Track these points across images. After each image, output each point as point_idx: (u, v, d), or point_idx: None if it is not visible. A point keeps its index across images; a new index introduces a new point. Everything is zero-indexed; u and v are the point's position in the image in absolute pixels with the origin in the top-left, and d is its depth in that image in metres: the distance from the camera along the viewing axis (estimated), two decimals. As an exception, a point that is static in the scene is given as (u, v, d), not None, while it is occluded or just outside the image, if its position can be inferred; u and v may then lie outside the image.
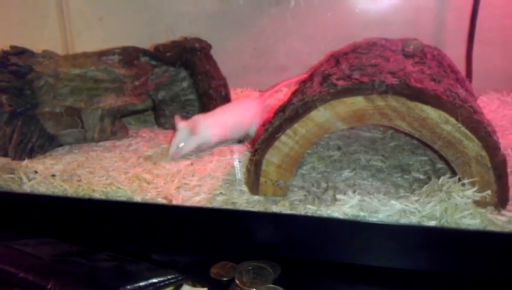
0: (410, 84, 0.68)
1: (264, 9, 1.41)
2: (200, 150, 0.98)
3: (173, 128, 1.13)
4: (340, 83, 0.71)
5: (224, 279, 0.71)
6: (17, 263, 0.62)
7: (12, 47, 1.06)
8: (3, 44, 1.07)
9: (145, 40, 1.24)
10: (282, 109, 0.78)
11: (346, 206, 0.70)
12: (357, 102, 0.69)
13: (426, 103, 0.67)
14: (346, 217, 0.70)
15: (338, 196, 0.72)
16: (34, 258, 0.63)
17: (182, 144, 0.94)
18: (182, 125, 0.95)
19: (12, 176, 0.86)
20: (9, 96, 0.99)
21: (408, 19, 1.34)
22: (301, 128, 0.72)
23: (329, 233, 0.70)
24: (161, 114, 1.16)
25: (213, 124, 0.98)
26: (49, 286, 0.57)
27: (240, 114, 1.03)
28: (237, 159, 0.93)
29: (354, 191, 0.73)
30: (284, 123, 0.71)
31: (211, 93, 1.12)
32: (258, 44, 1.42)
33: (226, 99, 1.15)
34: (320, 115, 0.70)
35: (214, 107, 1.11)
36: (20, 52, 1.06)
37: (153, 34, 1.44)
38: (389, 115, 0.69)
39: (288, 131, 0.72)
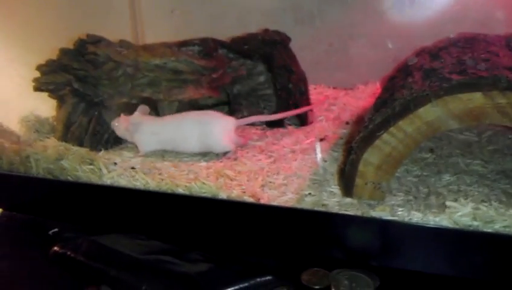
0: (537, 81, 0.61)
1: (340, 3, 1.35)
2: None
3: (250, 123, 1.09)
4: (455, 77, 0.64)
5: (317, 287, 0.66)
6: (108, 259, 0.59)
7: (88, 35, 1.04)
8: (73, 33, 1.05)
9: (216, 33, 1.20)
10: (381, 104, 0.72)
11: (457, 215, 0.63)
12: (475, 99, 0.62)
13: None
14: (456, 227, 0.63)
15: (448, 203, 0.65)
16: (126, 255, 0.60)
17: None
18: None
19: (91, 167, 0.84)
20: (86, 85, 0.98)
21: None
22: (407, 126, 0.65)
23: (436, 243, 0.64)
24: (236, 109, 1.11)
25: (145, 131, 0.93)
26: (143, 287, 0.53)
27: (184, 128, 0.91)
28: (323, 158, 0.87)
29: (466, 198, 0.66)
30: (392, 119, 0.65)
31: (289, 88, 1.06)
32: (334, 40, 1.36)
33: (305, 94, 1.09)
34: (430, 112, 0.64)
35: (293, 102, 1.06)
36: (97, 40, 1.03)
37: (223, 27, 1.40)
38: (511, 115, 0.62)
39: (392, 129, 0.66)
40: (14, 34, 1.08)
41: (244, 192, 0.76)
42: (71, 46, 1.02)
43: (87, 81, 0.98)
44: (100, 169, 0.83)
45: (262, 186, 0.79)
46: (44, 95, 1.00)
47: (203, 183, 0.76)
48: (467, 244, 0.61)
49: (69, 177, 0.82)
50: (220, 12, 1.45)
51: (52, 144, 0.90)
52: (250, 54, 1.08)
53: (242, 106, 1.10)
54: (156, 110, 1.03)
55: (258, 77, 1.10)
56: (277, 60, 1.08)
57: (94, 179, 0.82)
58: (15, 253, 0.75)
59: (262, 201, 0.73)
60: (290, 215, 0.70)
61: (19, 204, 0.85)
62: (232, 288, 0.54)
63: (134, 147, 0.97)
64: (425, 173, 0.80)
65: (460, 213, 0.63)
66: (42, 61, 1.00)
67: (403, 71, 0.89)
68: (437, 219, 0.64)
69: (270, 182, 0.80)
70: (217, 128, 0.90)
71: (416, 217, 0.65)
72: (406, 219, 0.65)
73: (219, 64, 1.03)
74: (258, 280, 0.58)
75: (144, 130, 0.92)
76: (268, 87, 1.09)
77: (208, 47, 1.00)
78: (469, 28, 0.99)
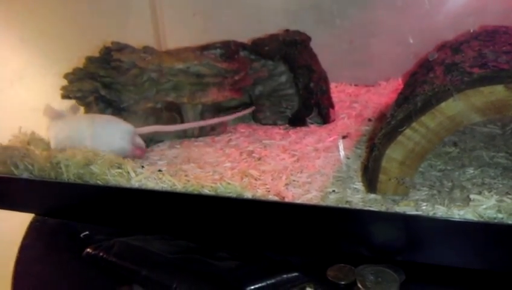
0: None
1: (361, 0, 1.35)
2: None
3: (273, 123, 1.11)
4: (476, 70, 0.64)
5: (343, 283, 0.66)
6: (139, 259, 0.61)
7: (113, 43, 1.07)
8: (97, 39, 1.08)
9: (237, 36, 1.22)
10: (403, 100, 0.72)
11: (481, 208, 0.63)
12: (496, 91, 0.62)
13: None
14: (481, 220, 0.63)
15: (472, 196, 0.65)
16: (156, 255, 0.62)
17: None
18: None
19: (120, 170, 0.86)
20: (112, 91, 1.00)
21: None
22: (430, 121, 0.66)
23: (461, 236, 0.64)
24: (259, 109, 1.13)
25: (55, 128, 0.95)
26: (174, 286, 0.55)
27: (81, 128, 0.93)
28: (346, 155, 0.88)
29: (490, 191, 0.66)
30: (414, 115, 0.65)
31: (311, 88, 1.07)
32: (355, 37, 1.36)
33: (326, 93, 1.10)
34: (452, 106, 0.64)
35: (315, 102, 1.07)
36: (122, 48, 1.06)
37: (244, 29, 1.41)
38: (534, 106, 0.62)
39: (415, 124, 0.66)
40: (42, 44, 1.11)
41: (269, 191, 0.77)
42: (97, 54, 1.05)
43: (113, 88, 1.01)
44: (128, 172, 0.85)
45: (287, 185, 0.80)
46: (72, 102, 1.03)
47: (228, 183, 0.77)
48: (492, 237, 0.61)
49: (98, 182, 0.85)
50: (240, 15, 1.47)
51: (82, 150, 0.92)
52: (271, 54, 1.09)
53: (264, 107, 1.11)
54: (181, 113, 1.05)
55: (280, 77, 1.11)
56: (298, 60, 1.09)
57: (122, 183, 0.84)
58: (47, 256, 0.77)
59: (286, 199, 0.74)
60: (314, 212, 0.71)
61: (51, 209, 0.88)
62: (259, 285, 0.56)
63: (160, 150, 0.99)
64: (449, 167, 0.80)
65: (485, 206, 0.63)
66: (69, 69, 1.03)
67: (425, 66, 0.89)
68: (461, 213, 0.64)
69: (294, 181, 0.81)
70: (110, 132, 0.93)
71: (440, 211, 0.65)
72: (431, 213, 0.65)
73: (241, 67, 1.04)
74: (285, 276, 0.59)
75: (54, 126, 0.96)
76: (290, 87, 1.11)
77: (230, 50, 1.02)
78: (491, 21, 0.98)
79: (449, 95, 0.64)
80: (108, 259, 0.65)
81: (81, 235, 0.82)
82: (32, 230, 0.85)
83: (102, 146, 0.91)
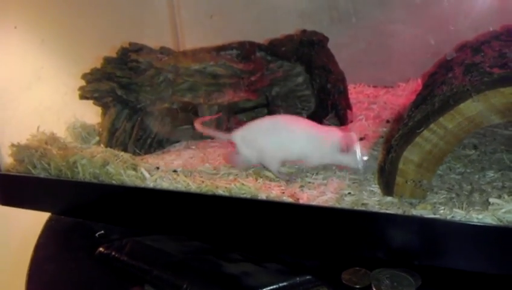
0: None
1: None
2: None
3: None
4: (496, 70, 0.63)
5: (357, 286, 0.65)
6: (151, 259, 0.61)
7: (131, 44, 1.07)
8: (114, 41, 1.08)
9: (255, 37, 1.21)
10: (421, 101, 0.71)
11: (501, 211, 0.62)
12: (517, 92, 0.60)
13: None
14: (500, 224, 0.61)
15: (491, 200, 0.64)
16: (167, 255, 0.61)
17: None
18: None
19: (134, 172, 0.86)
20: (129, 92, 1.00)
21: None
22: (448, 122, 0.64)
23: (479, 241, 0.62)
24: (275, 110, 1.11)
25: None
26: (184, 286, 0.54)
27: None
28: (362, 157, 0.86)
29: (510, 195, 0.64)
30: (432, 116, 0.64)
31: (328, 89, 1.06)
32: (373, 37, 1.34)
33: (343, 94, 1.09)
34: (471, 107, 0.63)
35: (332, 103, 1.06)
36: (139, 48, 1.06)
37: (261, 30, 1.41)
38: (556, 108, 0.60)
39: (433, 126, 0.65)
40: (59, 45, 1.12)
41: (283, 192, 0.76)
42: (114, 55, 1.05)
43: (130, 88, 1.01)
44: (143, 173, 0.85)
45: (301, 186, 0.79)
46: (90, 103, 1.03)
47: (243, 184, 0.77)
48: (511, 241, 0.60)
49: (114, 182, 0.85)
50: (258, 16, 1.46)
51: (98, 150, 0.93)
52: (288, 55, 1.08)
53: (281, 108, 1.10)
54: (197, 114, 1.05)
55: (296, 78, 1.10)
56: (315, 60, 1.08)
57: (138, 183, 0.84)
58: (62, 255, 0.78)
59: (301, 201, 0.74)
60: (329, 215, 0.70)
61: (67, 208, 0.88)
62: (272, 287, 0.55)
63: (176, 151, 0.99)
64: (468, 170, 0.78)
65: (504, 210, 0.62)
66: (87, 70, 1.04)
67: (444, 67, 0.87)
68: (480, 217, 0.62)
69: (309, 183, 0.80)
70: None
71: (458, 215, 0.64)
72: (448, 217, 0.64)
73: (257, 67, 1.04)
74: (298, 279, 0.58)
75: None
76: (306, 88, 1.09)
77: (246, 50, 1.01)
78: (512, 20, 0.96)
79: (468, 96, 0.63)
80: (120, 258, 0.65)
81: (96, 234, 0.82)
82: (47, 229, 0.86)
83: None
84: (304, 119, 0.89)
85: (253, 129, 0.87)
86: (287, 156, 0.84)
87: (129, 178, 0.85)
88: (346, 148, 0.80)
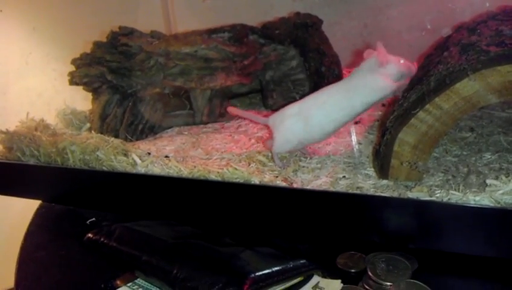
0: None
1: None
2: None
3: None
4: (493, 49, 0.61)
5: (353, 270, 0.64)
6: (140, 245, 0.59)
7: (121, 27, 1.05)
8: (106, 26, 1.06)
9: (248, 20, 1.19)
10: (416, 82, 0.69)
11: (498, 193, 0.60)
12: (515, 70, 0.59)
13: None
14: (497, 206, 0.60)
15: (488, 181, 0.62)
16: (157, 240, 0.60)
17: None
18: None
19: (125, 157, 0.85)
20: (119, 77, 0.98)
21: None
22: (444, 102, 0.63)
23: (477, 223, 0.61)
24: (269, 95, 1.10)
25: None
26: (175, 271, 0.53)
27: None
28: (358, 140, 0.85)
29: (508, 176, 0.63)
30: (428, 96, 0.62)
31: (322, 72, 1.04)
32: (368, 20, 1.32)
33: (338, 77, 1.07)
34: (468, 86, 0.61)
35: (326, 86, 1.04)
36: (129, 32, 1.04)
37: (256, 14, 1.39)
38: (555, 86, 0.58)
39: (428, 106, 0.63)
40: (49, 30, 1.10)
41: (277, 177, 0.75)
42: (105, 40, 1.03)
43: (120, 73, 0.99)
44: (134, 159, 0.84)
45: (295, 170, 0.77)
46: (81, 89, 1.01)
47: (235, 169, 0.75)
48: (508, 223, 0.58)
49: (104, 168, 0.83)
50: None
51: (88, 136, 0.91)
52: (282, 38, 1.06)
53: (275, 92, 1.09)
54: (189, 99, 1.03)
55: (290, 62, 1.08)
56: (309, 43, 1.06)
57: (129, 169, 0.83)
58: (52, 243, 0.76)
59: (295, 185, 0.72)
60: (323, 198, 0.69)
61: (57, 195, 0.87)
62: (265, 271, 0.54)
63: (168, 136, 0.98)
64: (465, 152, 0.77)
65: (502, 191, 0.60)
66: (77, 55, 1.02)
67: (440, 48, 0.86)
68: (477, 198, 0.61)
69: (303, 167, 0.79)
70: None
71: (455, 197, 0.62)
72: (445, 199, 0.63)
73: (250, 51, 1.02)
74: (291, 263, 0.56)
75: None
76: (301, 72, 1.08)
77: (238, 33, 0.99)
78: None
79: (464, 75, 0.61)
80: (109, 244, 0.64)
81: (88, 221, 0.81)
82: (38, 216, 0.84)
83: None
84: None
85: (293, 110, 0.81)
86: (338, 119, 0.78)
87: (120, 164, 0.83)
88: (385, 61, 0.76)
